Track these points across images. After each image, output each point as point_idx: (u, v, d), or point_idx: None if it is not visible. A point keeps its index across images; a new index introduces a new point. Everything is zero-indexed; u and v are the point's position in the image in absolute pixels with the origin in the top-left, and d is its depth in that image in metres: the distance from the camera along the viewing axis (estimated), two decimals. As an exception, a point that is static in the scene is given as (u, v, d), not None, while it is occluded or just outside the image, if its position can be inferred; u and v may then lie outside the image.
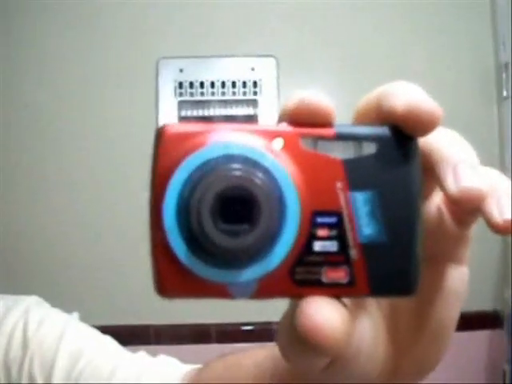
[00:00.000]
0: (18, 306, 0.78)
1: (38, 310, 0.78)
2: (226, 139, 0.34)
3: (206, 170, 0.33)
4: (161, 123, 0.37)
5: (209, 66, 2.38)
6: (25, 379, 0.72)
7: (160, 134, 0.35)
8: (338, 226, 0.35)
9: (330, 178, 0.35)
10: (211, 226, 0.33)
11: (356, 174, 0.35)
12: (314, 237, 0.34)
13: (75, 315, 0.80)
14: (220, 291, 0.34)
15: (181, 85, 2.36)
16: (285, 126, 0.35)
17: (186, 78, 2.36)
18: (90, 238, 2.33)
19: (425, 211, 0.38)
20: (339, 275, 0.35)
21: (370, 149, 0.35)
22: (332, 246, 0.34)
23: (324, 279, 0.35)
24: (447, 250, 0.39)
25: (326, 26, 2.43)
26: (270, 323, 2.11)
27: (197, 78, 2.37)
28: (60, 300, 0.82)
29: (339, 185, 0.35)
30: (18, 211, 2.32)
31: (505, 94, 2.44)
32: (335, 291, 0.35)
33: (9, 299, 0.80)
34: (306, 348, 0.34)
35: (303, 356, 0.35)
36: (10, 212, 2.31)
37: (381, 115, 0.35)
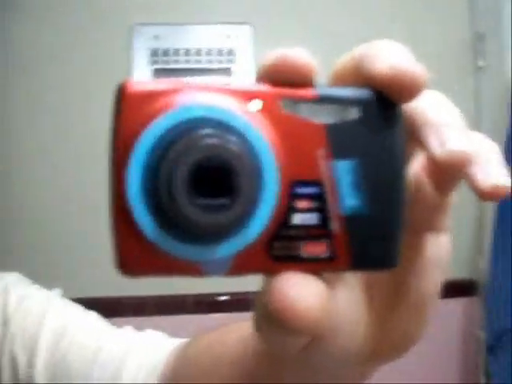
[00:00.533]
0: None
1: (18, 288, 0.75)
2: (197, 100, 0.31)
3: (175, 135, 0.30)
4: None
5: (183, 34, 2.34)
6: (6, 358, 0.70)
7: (121, 91, 0.31)
8: (319, 197, 0.32)
9: (311, 145, 0.32)
10: (186, 201, 0.30)
11: (339, 140, 0.32)
12: (293, 209, 0.32)
13: (57, 291, 0.77)
14: (192, 269, 0.32)
15: (155, 52, 2.33)
16: (263, 86, 0.33)
17: (160, 45, 2.33)
18: (70, 212, 2.31)
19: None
20: (319, 250, 0.32)
21: (353, 113, 0.32)
22: (312, 218, 0.32)
23: (303, 254, 0.32)
24: (427, 218, 0.37)
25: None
26: (246, 293, 2.10)
27: (172, 45, 2.33)
28: (40, 274, 0.80)
29: (321, 152, 0.32)
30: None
31: (480, 63, 2.45)
32: (314, 266, 0.33)
33: None
34: (279, 328, 0.32)
35: (277, 336, 0.33)
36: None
37: (361, 78, 0.33)
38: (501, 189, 0.33)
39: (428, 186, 0.35)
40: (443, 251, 0.38)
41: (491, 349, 2.13)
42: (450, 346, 2.41)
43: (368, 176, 0.33)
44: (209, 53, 2.34)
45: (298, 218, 0.32)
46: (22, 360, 0.69)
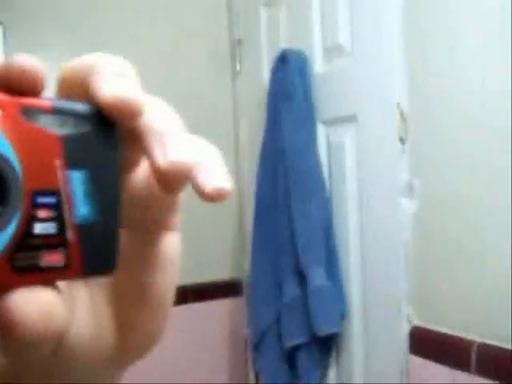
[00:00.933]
0: None
1: None
2: None
3: None
4: None
5: None
6: None
7: None
8: (57, 206, 0.32)
9: (48, 155, 0.32)
10: None
11: (72, 151, 0.33)
12: (34, 218, 0.32)
13: None
14: None
15: None
16: (2, 95, 0.32)
17: None
18: None
19: (131, 183, 0.38)
20: (56, 259, 0.33)
21: (85, 126, 0.33)
22: (51, 227, 0.32)
23: (42, 264, 0.32)
24: (157, 218, 0.38)
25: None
26: None
27: None
28: None
29: (57, 162, 0.32)
30: None
31: (238, 68, 2.52)
32: (52, 276, 0.33)
33: None
34: (10, 341, 0.32)
35: (14, 349, 0.33)
36: None
37: (86, 93, 0.34)
38: (222, 191, 0.34)
39: (156, 188, 0.37)
40: (175, 249, 0.39)
41: (256, 347, 2.19)
42: (218, 347, 2.46)
43: (96, 185, 0.34)
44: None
45: (38, 228, 0.32)
46: None
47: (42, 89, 0.33)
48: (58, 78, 0.36)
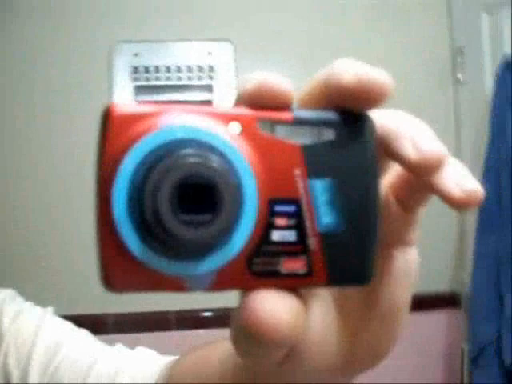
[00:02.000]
0: None
1: (12, 303, 0.75)
2: (179, 122, 0.32)
3: (159, 155, 0.31)
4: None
5: (164, 51, 2.35)
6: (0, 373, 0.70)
7: (107, 114, 0.33)
8: (297, 214, 0.33)
9: (288, 165, 0.33)
10: (170, 217, 0.31)
11: (315, 160, 0.33)
12: (271, 226, 0.33)
13: (50, 309, 0.77)
14: (175, 284, 0.32)
15: (136, 69, 2.33)
16: (242, 109, 0.34)
17: (140, 62, 2.33)
18: (52, 233, 2.30)
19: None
20: (297, 266, 0.33)
21: (328, 135, 0.34)
22: (290, 235, 0.33)
23: (282, 270, 0.33)
24: (394, 233, 0.38)
25: (283, 12, 2.43)
26: (229, 309, 2.10)
27: (152, 62, 2.34)
28: (29, 292, 0.80)
29: (297, 172, 0.33)
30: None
31: (460, 77, 2.47)
32: (293, 282, 0.33)
33: None
34: (252, 342, 0.33)
35: (251, 350, 0.34)
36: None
37: (329, 94, 0.34)
38: (474, 195, 0.34)
39: (394, 203, 0.37)
40: (411, 264, 0.39)
41: (475, 361, 2.13)
42: (434, 359, 2.41)
43: (343, 194, 0.34)
44: (189, 69, 2.35)
45: (276, 235, 0.33)
46: (15, 375, 0.70)
47: (287, 103, 0.34)
48: (297, 99, 0.36)
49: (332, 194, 0.34)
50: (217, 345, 0.56)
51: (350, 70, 0.34)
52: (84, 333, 0.75)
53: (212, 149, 0.32)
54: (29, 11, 2.33)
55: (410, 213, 0.37)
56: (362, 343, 0.39)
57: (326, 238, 0.34)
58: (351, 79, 0.33)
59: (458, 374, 2.38)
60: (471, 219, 2.23)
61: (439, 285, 2.37)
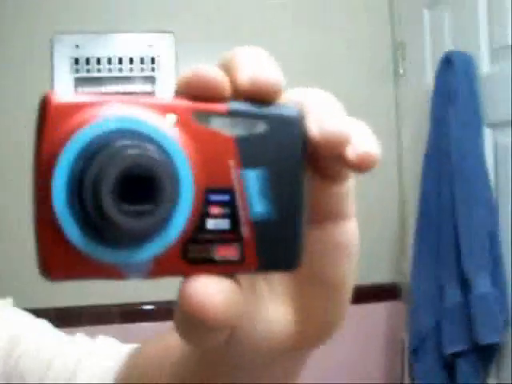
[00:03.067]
0: None
1: None
2: (118, 113, 0.32)
3: (99, 146, 0.31)
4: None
5: (106, 42, 2.33)
6: None
7: (44, 103, 0.32)
8: (231, 203, 0.34)
9: (222, 156, 0.34)
10: (112, 208, 0.31)
11: (248, 151, 0.34)
12: (206, 215, 0.34)
13: (9, 300, 0.77)
14: (112, 272, 0.33)
15: (77, 61, 2.30)
16: (179, 101, 0.34)
17: (82, 53, 2.31)
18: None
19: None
20: (230, 252, 0.34)
21: (261, 126, 0.35)
22: (224, 223, 0.34)
23: (216, 257, 0.34)
24: (325, 208, 0.38)
25: (225, 3, 2.43)
26: (170, 302, 2.10)
27: (93, 53, 2.31)
28: None
29: (231, 162, 0.34)
30: None
31: (401, 71, 2.50)
32: (226, 268, 0.34)
33: None
34: (192, 325, 0.34)
35: (193, 335, 0.35)
36: None
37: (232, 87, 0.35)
38: (368, 157, 0.35)
39: (317, 178, 0.37)
40: (349, 236, 0.39)
41: (415, 353, 2.16)
42: (374, 350, 2.44)
43: (274, 184, 0.35)
44: (131, 61, 2.33)
45: (211, 223, 0.34)
46: None
47: (222, 95, 0.34)
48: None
49: (264, 183, 0.35)
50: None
51: (244, 70, 0.35)
52: (44, 323, 0.75)
53: (150, 140, 0.32)
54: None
55: (335, 185, 0.38)
56: (309, 320, 0.40)
57: (257, 226, 0.35)
58: (244, 82, 0.34)
59: (399, 365, 2.42)
60: (412, 209, 2.27)
61: (379, 275, 2.40)
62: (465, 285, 1.94)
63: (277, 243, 0.35)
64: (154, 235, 0.33)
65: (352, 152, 0.35)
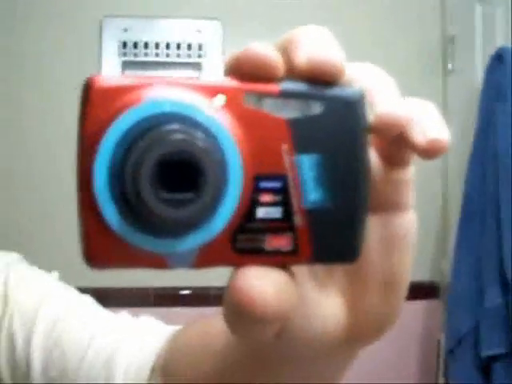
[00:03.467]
0: None
1: (18, 267, 0.76)
2: (163, 95, 0.31)
3: (142, 130, 0.31)
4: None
5: (154, 27, 2.34)
6: (3, 334, 0.70)
7: (88, 86, 0.32)
8: (283, 190, 0.33)
9: (274, 140, 0.32)
10: (151, 196, 0.30)
11: (302, 135, 0.33)
12: (256, 202, 0.32)
13: (55, 275, 0.77)
14: (157, 261, 0.32)
15: (125, 44, 2.31)
16: (228, 81, 0.33)
17: (130, 37, 2.31)
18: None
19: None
20: (282, 243, 0.33)
21: (316, 108, 0.33)
22: (276, 212, 0.33)
23: (266, 247, 0.33)
24: (384, 198, 0.37)
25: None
26: (208, 288, 2.10)
27: (141, 38, 2.32)
28: (36, 258, 0.80)
29: (284, 146, 0.32)
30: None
31: (450, 67, 2.46)
32: (277, 259, 0.33)
33: None
34: (242, 318, 0.32)
35: (243, 326, 0.33)
36: None
37: (287, 67, 0.34)
38: (439, 142, 0.33)
39: (379, 165, 0.37)
40: (407, 228, 0.38)
41: (451, 352, 2.13)
42: (409, 349, 2.42)
43: (330, 169, 0.33)
44: (178, 47, 2.33)
45: (261, 212, 0.33)
46: (19, 337, 0.70)
47: (275, 74, 0.33)
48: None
49: (319, 169, 0.33)
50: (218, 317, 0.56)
51: (303, 49, 0.33)
52: (88, 300, 0.75)
53: (196, 124, 0.31)
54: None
55: (396, 171, 0.37)
56: (363, 314, 0.39)
57: (312, 214, 0.33)
58: (302, 61, 0.33)
59: (434, 365, 2.40)
60: (455, 208, 2.24)
61: (419, 274, 2.38)
62: (506, 287, 1.91)
63: (333, 233, 0.34)
64: (199, 224, 0.31)
65: (421, 137, 0.33)
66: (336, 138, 0.33)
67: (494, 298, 1.94)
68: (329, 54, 0.33)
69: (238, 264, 0.33)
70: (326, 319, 0.38)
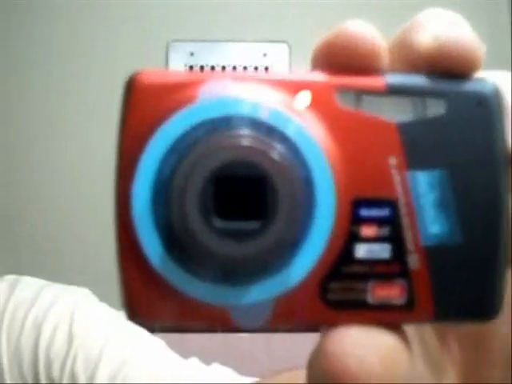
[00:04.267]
0: (66, 296, 0.73)
1: (86, 305, 0.73)
2: (225, 93, 0.24)
3: (196, 138, 0.23)
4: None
5: (220, 51, 2.34)
6: (67, 377, 0.68)
7: (131, 84, 0.25)
8: (392, 221, 0.25)
9: (380, 151, 0.25)
10: (201, 223, 0.23)
11: (418, 144, 0.25)
12: (355, 237, 0.24)
13: (122, 313, 0.75)
14: (218, 317, 0.24)
15: (191, 68, 2.32)
16: (315, 74, 0.25)
17: (196, 61, 2.32)
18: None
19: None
20: (393, 293, 0.25)
21: (436, 108, 0.25)
22: (382, 250, 0.25)
23: (370, 299, 0.25)
24: None
25: (338, 13, 2.40)
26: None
27: (207, 62, 2.33)
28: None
29: (393, 160, 0.25)
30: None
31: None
32: (386, 316, 0.25)
33: (58, 288, 0.75)
34: None
35: None
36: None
37: (404, 56, 0.26)
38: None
39: None
40: None
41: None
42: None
43: (458, 191, 0.25)
44: (245, 70, 2.33)
45: (363, 250, 0.25)
46: (81, 379, 0.67)
47: (376, 64, 0.25)
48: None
49: (443, 191, 0.25)
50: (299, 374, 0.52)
51: (428, 28, 0.26)
52: (155, 343, 0.72)
53: (271, 129, 0.24)
54: (81, 7, 2.33)
55: None
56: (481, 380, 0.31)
57: (434, 253, 0.25)
58: (426, 40, 0.25)
59: None
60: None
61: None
62: None
63: (463, 279, 0.25)
64: (274, 267, 0.24)
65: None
66: (465, 150, 0.25)
67: None
68: (464, 35, 0.25)
69: (330, 322, 0.24)
70: None
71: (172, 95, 0.24)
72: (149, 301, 0.24)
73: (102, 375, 0.67)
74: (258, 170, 0.23)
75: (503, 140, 0.25)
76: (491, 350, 0.30)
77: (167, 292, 0.24)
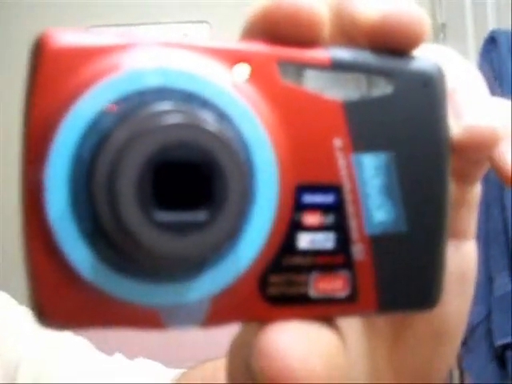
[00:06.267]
0: None
1: (3, 308, 0.69)
2: (154, 62, 0.20)
3: (122, 113, 0.20)
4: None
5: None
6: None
7: (39, 47, 0.20)
8: (337, 208, 0.22)
9: (324, 132, 0.22)
10: (135, 216, 0.19)
11: (364, 125, 0.23)
12: (298, 226, 0.22)
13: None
14: (147, 319, 0.21)
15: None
16: (254, 45, 0.22)
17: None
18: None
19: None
20: (336, 286, 0.23)
21: (383, 87, 0.23)
22: (326, 240, 0.22)
23: (312, 293, 0.23)
24: (458, 221, 0.29)
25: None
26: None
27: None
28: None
29: (338, 143, 0.22)
30: None
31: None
32: (328, 310, 0.23)
33: None
34: None
35: None
36: None
37: (343, 27, 0.24)
38: None
39: (453, 186, 0.27)
40: (471, 262, 0.30)
41: (464, 343, 2.10)
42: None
43: (403, 176, 0.23)
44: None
45: (305, 240, 0.22)
46: None
47: (318, 35, 0.22)
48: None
49: (389, 176, 0.23)
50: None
51: (370, 2, 0.23)
52: (79, 341, 0.68)
53: (206, 103, 0.21)
54: None
55: (466, 187, 0.29)
56: (404, 370, 0.30)
57: (378, 243, 0.23)
58: (371, 15, 0.23)
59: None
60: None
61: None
62: (515, 273, 1.88)
63: (407, 269, 0.24)
64: (211, 262, 0.21)
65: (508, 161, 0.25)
66: (411, 131, 0.23)
67: (503, 285, 1.92)
68: (409, 8, 0.23)
69: (270, 318, 0.22)
70: (361, 376, 0.30)
71: (91, 62, 0.20)
72: (65, 303, 0.20)
73: (23, 378, 0.63)
74: (196, 151, 0.19)
75: (447, 123, 0.24)
76: (417, 323, 0.30)
77: (91, 294, 0.20)
